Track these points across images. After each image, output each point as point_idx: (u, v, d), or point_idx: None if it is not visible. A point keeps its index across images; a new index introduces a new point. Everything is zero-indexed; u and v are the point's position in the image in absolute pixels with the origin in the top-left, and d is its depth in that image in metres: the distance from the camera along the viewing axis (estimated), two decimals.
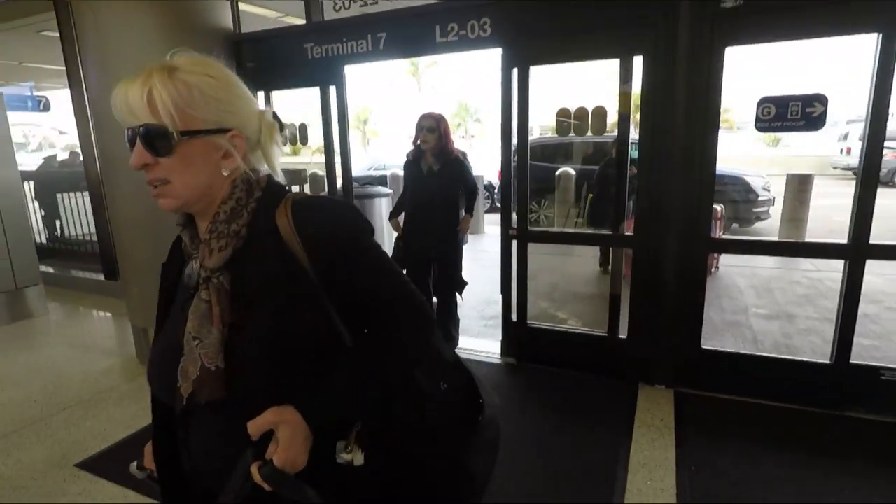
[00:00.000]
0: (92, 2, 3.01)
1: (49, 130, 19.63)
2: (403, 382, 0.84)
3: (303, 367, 0.75)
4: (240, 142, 0.78)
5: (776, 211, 7.25)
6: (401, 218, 3.49)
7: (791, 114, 2.40)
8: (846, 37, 2.32)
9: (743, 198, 7.71)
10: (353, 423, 0.78)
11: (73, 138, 4.60)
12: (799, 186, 6.44)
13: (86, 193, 6.58)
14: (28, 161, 10.66)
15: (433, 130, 3.17)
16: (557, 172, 7.19)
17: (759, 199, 7.77)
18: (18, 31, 6.37)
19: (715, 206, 5.38)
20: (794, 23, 2.35)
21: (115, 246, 3.46)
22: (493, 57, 3.00)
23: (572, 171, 7.23)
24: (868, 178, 2.37)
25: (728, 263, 5.44)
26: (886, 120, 2.29)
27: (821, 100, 2.36)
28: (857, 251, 2.45)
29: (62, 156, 10.21)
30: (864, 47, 2.40)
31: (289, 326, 0.74)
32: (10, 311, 4.39)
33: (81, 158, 9.78)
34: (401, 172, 4.04)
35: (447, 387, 0.89)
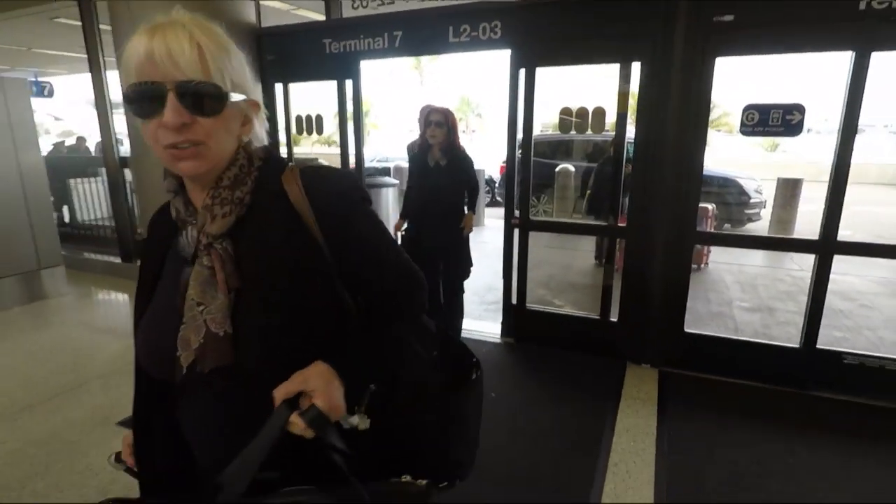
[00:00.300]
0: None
1: (44, 116, 19.64)
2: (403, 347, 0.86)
3: (315, 332, 0.74)
4: (255, 110, 0.79)
5: (768, 213, 7.51)
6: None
7: (772, 120, 2.65)
8: (824, 53, 2.58)
9: (735, 200, 7.97)
10: (364, 387, 0.77)
11: (68, 125, 4.70)
12: (788, 190, 6.71)
13: (93, 179, 6.78)
14: None
15: (441, 125, 3.18)
16: (557, 169, 7.43)
17: (752, 201, 8.04)
18: (32, 17, 6.52)
19: (706, 205, 5.71)
20: (779, 38, 2.59)
21: (143, 224, 3.68)
22: (495, 54, 3.22)
23: (571, 168, 7.48)
24: (837, 182, 2.62)
25: (717, 260, 5.71)
26: (856, 129, 2.54)
27: (799, 109, 2.61)
28: (825, 247, 2.72)
29: (69, 142, 10.37)
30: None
31: (300, 291, 0.74)
32: (34, 291, 4.60)
33: (87, 144, 9.97)
34: (404, 164, 4.21)
35: (437, 353, 0.92)
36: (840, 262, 2.75)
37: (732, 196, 8.00)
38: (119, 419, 2.64)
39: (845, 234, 2.74)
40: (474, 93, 32.90)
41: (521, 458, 2.34)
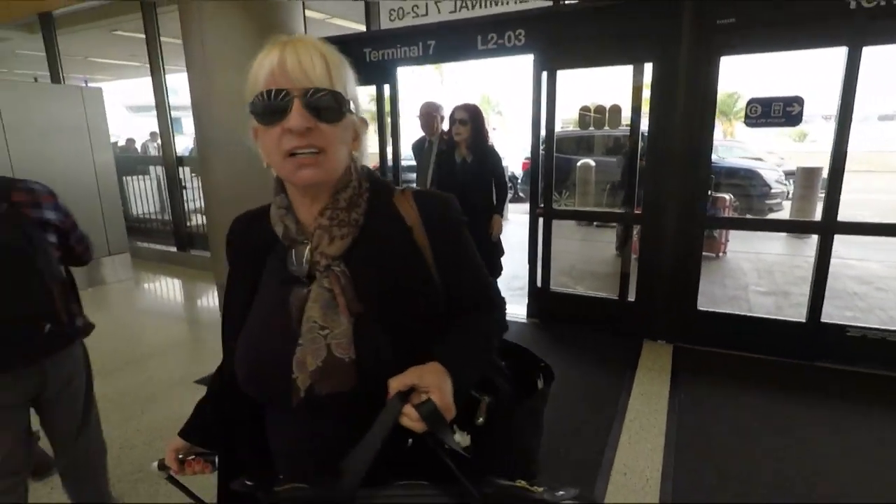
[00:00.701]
0: (201, 6, 3.64)
1: None
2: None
3: (425, 349, 0.74)
4: (364, 127, 0.80)
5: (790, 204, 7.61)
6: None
7: (774, 112, 2.91)
8: (820, 49, 2.83)
9: (757, 191, 8.09)
10: (463, 395, 0.74)
11: (111, 127, 5.10)
12: (808, 179, 6.81)
13: (144, 176, 7.34)
14: None
15: (465, 122, 3.25)
16: (578, 163, 7.69)
17: (773, 191, 8.14)
18: (95, 30, 7.12)
19: (724, 195, 5.91)
20: (777, 37, 2.85)
21: (209, 217, 4.13)
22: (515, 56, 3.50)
23: (592, 163, 7.72)
24: (836, 168, 2.87)
25: (735, 249, 5.91)
26: (851, 119, 2.78)
27: (798, 101, 2.87)
28: (827, 227, 2.97)
29: (120, 143, 11.10)
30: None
31: (414, 313, 0.76)
32: (104, 275, 5.14)
33: (136, 145, 10.64)
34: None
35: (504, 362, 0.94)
36: (859, 248, 2.97)
37: (754, 187, 8.11)
38: (196, 378, 3.08)
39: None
40: (494, 91, 33.13)
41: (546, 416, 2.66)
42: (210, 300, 4.73)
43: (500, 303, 0.90)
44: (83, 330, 1.64)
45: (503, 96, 31.83)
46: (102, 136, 4.96)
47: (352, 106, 0.74)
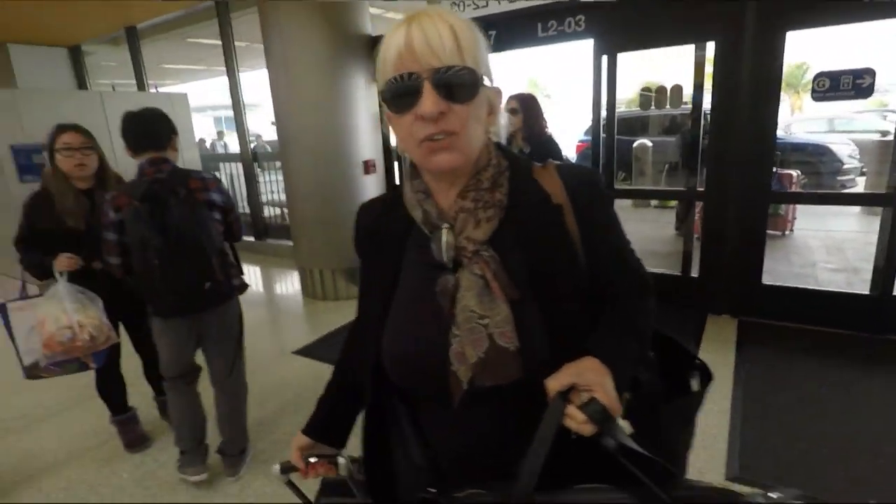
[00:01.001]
0: (280, 11, 3.97)
1: None
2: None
3: (580, 333, 0.72)
4: (498, 98, 0.75)
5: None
6: None
7: (843, 85, 2.90)
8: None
9: (827, 167, 7.74)
10: (621, 389, 0.69)
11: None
12: (882, 152, 6.48)
13: (216, 172, 7.92)
14: None
15: (516, 112, 3.21)
16: (634, 144, 7.64)
17: (845, 167, 7.77)
18: (171, 39, 7.72)
19: (790, 172, 5.76)
20: (845, 9, 2.83)
21: (289, 207, 4.51)
22: None
23: (648, 143, 7.65)
24: None
25: (803, 227, 5.76)
26: None
27: (869, 73, 2.84)
28: (894, 199, 2.95)
29: None
30: None
31: (567, 293, 0.72)
32: None
33: (206, 144, 11.37)
34: None
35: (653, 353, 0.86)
36: None
37: (824, 164, 7.77)
38: (294, 349, 3.46)
39: None
40: (542, 75, 32.63)
41: None
42: (288, 285, 5.14)
43: (651, 288, 0.83)
44: (238, 289, 2.13)
45: (552, 80, 31.32)
46: (189, 136, 5.48)
47: (485, 79, 0.69)
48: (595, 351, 0.69)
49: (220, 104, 15.04)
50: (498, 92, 0.75)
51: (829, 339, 3.14)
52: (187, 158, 5.47)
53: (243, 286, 2.18)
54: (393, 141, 3.82)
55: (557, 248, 0.73)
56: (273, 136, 4.91)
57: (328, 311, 4.23)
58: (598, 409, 0.62)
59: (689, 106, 3.74)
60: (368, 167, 4.29)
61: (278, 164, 5.56)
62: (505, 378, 0.68)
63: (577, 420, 0.62)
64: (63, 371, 2.32)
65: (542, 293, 0.71)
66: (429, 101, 0.65)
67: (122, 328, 2.38)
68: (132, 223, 1.87)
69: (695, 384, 0.88)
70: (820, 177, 7.65)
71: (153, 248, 1.85)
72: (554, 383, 0.65)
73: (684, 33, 3.32)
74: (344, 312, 4.05)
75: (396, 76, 0.66)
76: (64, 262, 2.11)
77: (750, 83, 3.11)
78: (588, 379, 0.65)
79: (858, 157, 7.88)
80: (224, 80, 5.98)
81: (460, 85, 0.66)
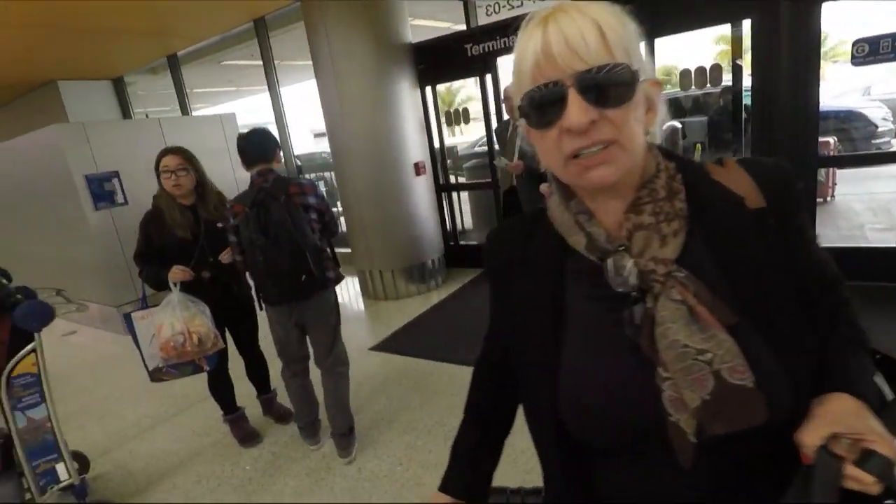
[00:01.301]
0: (326, 25, 4.20)
1: None
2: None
3: (806, 356, 0.60)
4: (658, 90, 0.64)
5: None
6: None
7: (882, 49, 3.00)
8: None
9: (861, 133, 7.69)
10: None
11: None
12: None
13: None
14: None
15: None
16: (663, 127, 7.66)
17: (879, 130, 7.70)
18: (203, 64, 8.09)
19: (827, 139, 5.77)
20: None
21: (345, 212, 4.76)
22: None
23: (677, 124, 7.69)
24: None
25: (844, 192, 5.78)
26: None
27: None
28: None
29: None
30: None
31: (786, 311, 0.60)
32: None
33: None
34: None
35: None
36: None
37: (857, 129, 7.71)
38: (371, 345, 3.71)
39: None
40: None
41: None
42: (350, 288, 5.32)
43: (849, 297, 0.71)
44: (334, 280, 2.39)
45: None
46: (236, 154, 5.77)
47: (640, 74, 0.58)
48: (846, 386, 0.59)
49: (251, 122, 15.51)
50: (657, 84, 0.64)
51: (882, 292, 3.23)
52: (240, 177, 5.77)
53: (339, 278, 2.45)
54: (436, 142, 4.02)
55: (764, 259, 0.61)
56: (305, 149, 5.14)
57: (390, 309, 4.47)
58: (883, 466, 0.51)
59: (721, 85, 3.85)
60: (419, 169, 4.52)
61: (324, 174, 5.79)
62: (745, 422, 0.56)
63: (864, 482, 0.51)
64: (180, 374, 2.62)
65: (763, 312, 0.59)
66: (575, 110, 0.56)
67: (227, 333, 2.66)
68: (243, 226, 2.21)
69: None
70: (855, 142, 7.60)
71: (258, 247, 2.17)
72: (811, 436, 0.55)
73: (720, 14, 3.45)
74: (405, 310, 4.30)
75: (535, 87, 0.58)
76: (177, 273, 2.40)
77: (789, 57, 3.22)
78: (854, 425, 0.54)
79: (892, 118, 7.80)
80: (253, 98, 6.29)
81: (612, 86, 0.56)
